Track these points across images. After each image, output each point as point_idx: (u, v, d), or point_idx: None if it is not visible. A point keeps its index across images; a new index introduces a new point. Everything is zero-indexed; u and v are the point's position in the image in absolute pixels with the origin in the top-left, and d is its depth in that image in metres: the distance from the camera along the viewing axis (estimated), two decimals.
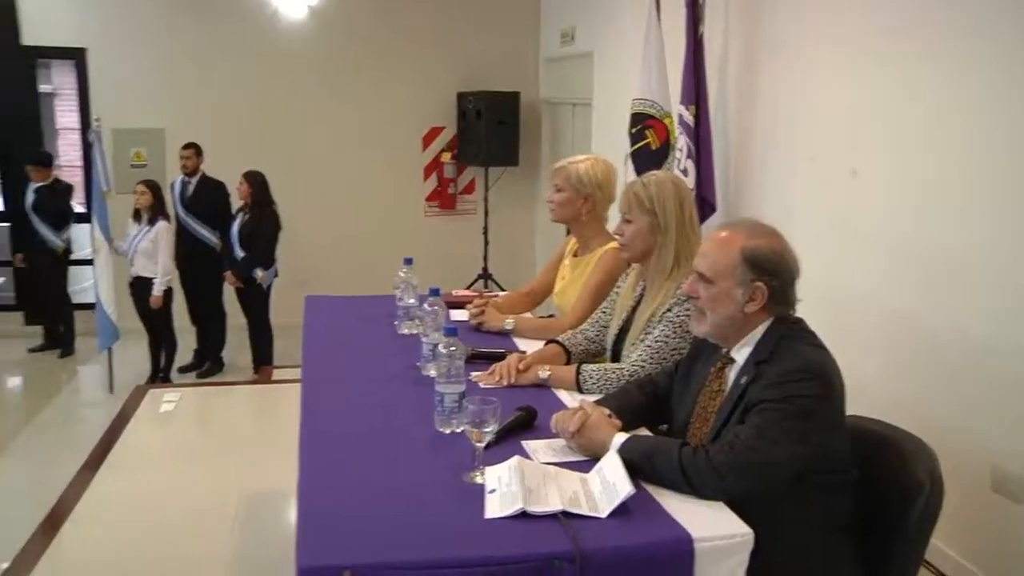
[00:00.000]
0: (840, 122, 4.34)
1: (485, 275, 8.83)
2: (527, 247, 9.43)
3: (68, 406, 7.23)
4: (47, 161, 8.02)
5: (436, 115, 9.13)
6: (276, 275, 7.36)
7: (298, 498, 2.29)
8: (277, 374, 7.19)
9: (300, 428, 2.85)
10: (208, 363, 7.67)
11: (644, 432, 2.52)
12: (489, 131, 8.52)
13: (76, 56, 8.61)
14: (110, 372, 7.25)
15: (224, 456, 5.48)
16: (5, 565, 4.15)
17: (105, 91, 8.56)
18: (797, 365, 2.21)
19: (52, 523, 4.54)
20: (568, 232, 3.95)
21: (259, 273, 7.16)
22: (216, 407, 6.58)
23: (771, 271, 2.30)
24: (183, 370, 7.59)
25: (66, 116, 10.86)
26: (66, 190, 8.13)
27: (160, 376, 7.32)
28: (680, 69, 5.15)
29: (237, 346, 7.72)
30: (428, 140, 9.20)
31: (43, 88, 9.53)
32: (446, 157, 9.20)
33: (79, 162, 9.12)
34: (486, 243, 8.95)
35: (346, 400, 2.93)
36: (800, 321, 2.38)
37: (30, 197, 7.95)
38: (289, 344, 7.57)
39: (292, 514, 4.64)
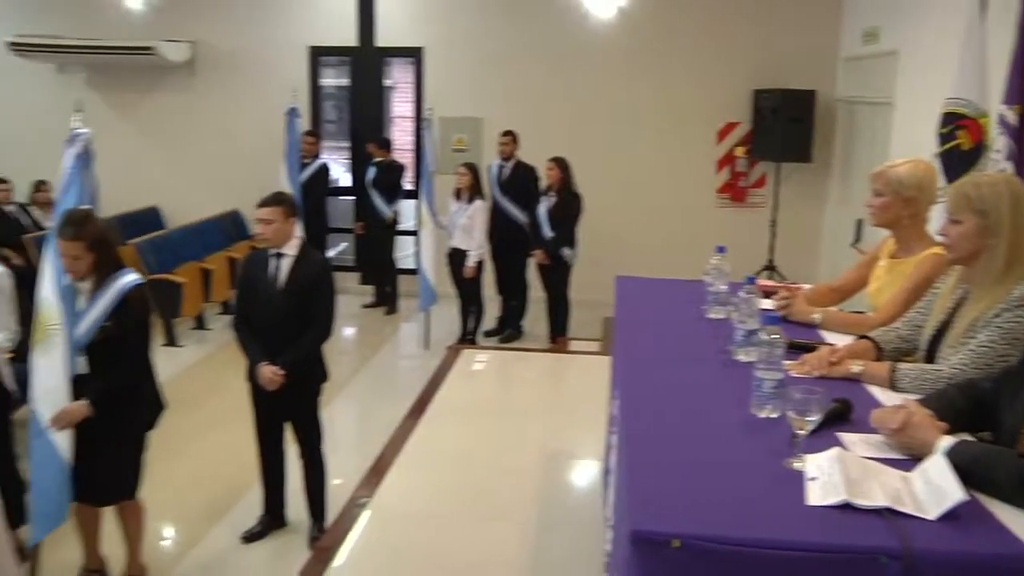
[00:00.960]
0: None
1: (770, 267, 8.52)
2: (813, 242, 8.99)
3: (391, 356, 7.77)
4: (387, 144, 8.65)
5: (732, 111, 8.90)
6: (577, 255, 7.48)
7: (625, 467, 2.30)
8: (573, 345, 7.32)
9: (618, 401, 2.86)
10: (509, 330, 7.95)
11: (967, 437, 2.31)
12: (783, 128, 8.19)
13: (415, 55, 9.20)
14: (427, 330, 7.70)
15: (526, 416, 5.67)
16: (338, 481, 4.52)
17: (436, 84, 9.08)
18: None
19: (383, 460, 4.90)
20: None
21: (566, 252, 7.31)
22: (518, 371, 6.81)
23: None
24: (487, 334, 7.91)
25: (400, 106, 11.59)
26: (399, 169, 8.71)
27: (468, 338, 7.67)
28: (1005, 67, 4.65)
29: (536, 317, 7.94)
30: (723, 134, 8.98)
31: (385, 83, 10.34)
32: (739, 151, 8.95)
33: (409, 146, 9.72)
34: (773, 236, 8.62)
35: (660, 378, 2.90)
36: None
37: (370, 173, 8.60)
38: (582, 318, 7.72)
39: (591, 477, 4.76)
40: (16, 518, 3.70)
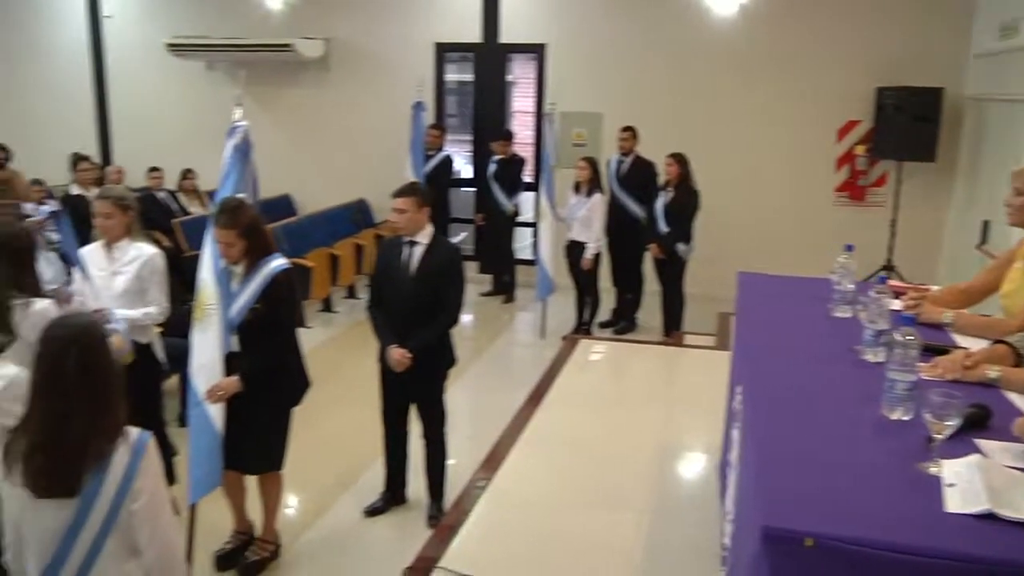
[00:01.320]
0: None
1: (888, 267, 8.19)
2: (934, 243, 8.59)
3: (507, 344, 7.82)
4: (509, 137, 8.69)
5: (853, 108, 8.57)
6: (693, 250, 7.37)
7: (754, 464, 2.25)
8: (687, 339, 7.22)
9: (742, 397, 2.81)
10: (624, 322, 7.89)
11: None
12: (907, 126, 7.83)
13: (537, 51, 9.22)
14: (543, 320, 7.72)
15: (641, 407, 5.62)
16: (452, 461, 4.57)
17: (557, 80, 9.07)
18: None
19: (502, 445, 4.94)
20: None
21: (681, 247, 7.21)
22: (634, 362, 6.75)
23: None
24: (602, 325, 7.88)
25: (520, 101, 11.63)
26: (520, 163, 8.74)
27: (583, 328, 7.66)
28: None
29: (650, 310, 7.85)
30: (843, 132, 8.66)
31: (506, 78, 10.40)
32: (859, 150, 8.62)
33: (529, 140, 9.75)
34: (892, 236, 8.28)
35: (786, 375, 2.82)
36: None
37: (491, 167, 8.67)
38: (696, 312, 7.60)
39: (706, 469, 4.69)
40: (167, 479, 3.89)
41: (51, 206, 4.64)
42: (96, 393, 2.25)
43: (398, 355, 4.14)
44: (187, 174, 9.33)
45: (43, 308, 3.25)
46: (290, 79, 9.98)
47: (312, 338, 7.36)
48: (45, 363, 2.24)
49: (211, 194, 9.76)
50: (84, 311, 3.31)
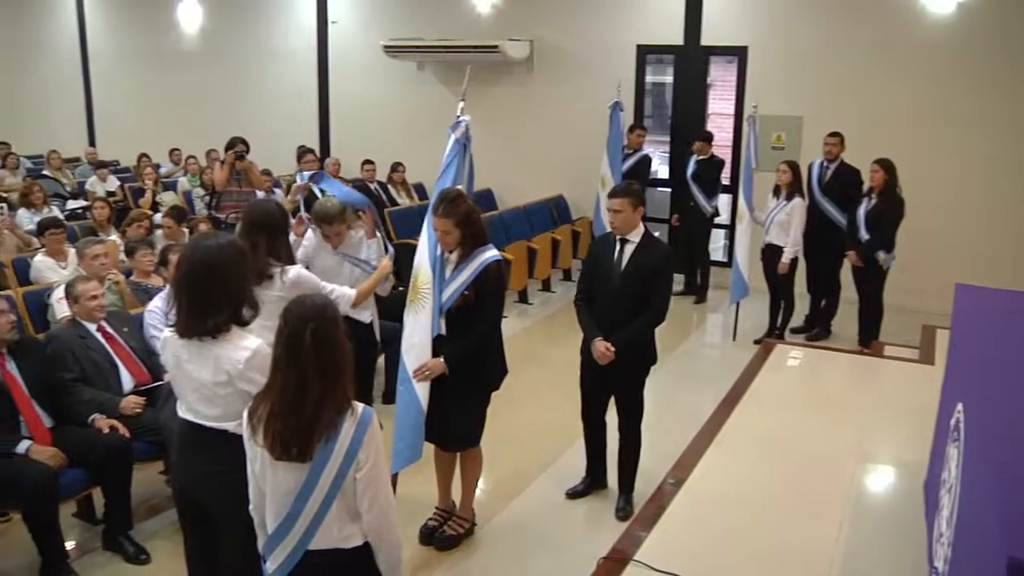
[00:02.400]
0: None
1: None
2: None
3: (697, 344, 7.64)
4: (710, 139, 8.47)
5: None
6: (894, 259, 6.91)
7: (992, 489, 2.05)
8: (887, 350, 6.77)
9: (963, 415, 2.58)
10: (817, 329, 7.51)
11: None
12: None
13: (738, 53, 8.93)
14: (735, 322, 7.48)
15: (839, 416, 5.34)
16: (643, 458, 4.49)
17: (757, 82, 8.76)
18: None
19: (696, 444, 4.83)
20: None
21: (881, 255, 6.77)
22: (831, 370, 6.42)
23: None
24: (795, 331, 7.53)
25: (716, 103, 11.32)
26: (719, 164, 8.50)
27: (776, 333, 7.35)
28: None
29: (844, 318, 7.43)
30: None
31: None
32: None
33: (726, 143, 9.46)
34: None
35: (1008, 392, 2.57)
36: None
37: (691, 168, 8.48)
38: (894, 323, 7.12)
39: (908, 485, 4.38)
40: None
41: (302, 178, 5.10)
42: (329, 368, 2.36)
43: (602, 347, 4.12)
44: (397, 167, 9.74)
45: (298, 272, 3.81)
46: (496, 79, 10.18)
47: (508, 327, 7.46)
48: (285, 338, 2.38)
49: (417, 187, 10.20)
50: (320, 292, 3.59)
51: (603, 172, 8.55)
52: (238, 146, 7.63)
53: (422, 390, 3.88)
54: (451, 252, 3.87)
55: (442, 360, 3.85)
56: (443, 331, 3.90)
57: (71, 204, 9.63)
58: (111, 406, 4.18)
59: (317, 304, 2.41)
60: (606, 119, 8.56)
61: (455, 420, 3.97)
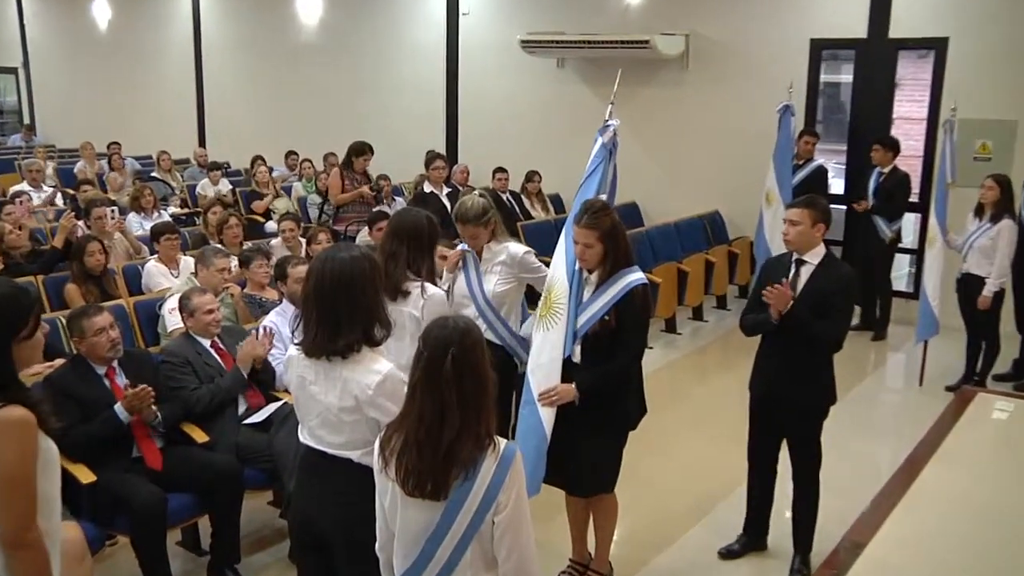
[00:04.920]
0: None
1: None
2: None
3: (875, 389, 7.38)
4: (895, 147, 8.19)
5: None
6: None
7: None
8: None
9: None
10: None
11: None
12: None
13: (936, 46, 8.60)
14: (922, 365, 7.18)
15: None
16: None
17: (958, 80, 8.40)
18: None
19: (881, 504, 4.63)
20: None
21: None
22: None
23: None
24: (999, 378, 7.14)
25: (903, 106, 10.94)
26: (903, 179, 8.22)
27: (974, 380, 7.00)
28: None
29: None
30: None
31: None
32: None
33: (914, 152, 9.13)
34: None
35: None
36: None
37: (872, 182, 8.23)
38: None
39: None
40: None
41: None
42: (469, 397, 2.42)
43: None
44: (532, 176, 9.86)
45: (437, 294, 3.83)
46: (644, 78, 10.14)
47: (651, 360, 7.43)
48: (424, 363, 2.46)
49: (553, 198, 10.30)
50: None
51: (768, 186, 8.41)
52: (366, 154, 7.93)
53: (547, 415, 3.90)
54: (591, 272, 3.90)
55: (573, 387, 3.87)
56: (576, 357, 3.92)
57: (171, 209, 10.03)
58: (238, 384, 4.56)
59: (460, 327, 2.47)
60: (772, 124, 8.43)
61: (585, 461, 3.97)
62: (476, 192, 4.65)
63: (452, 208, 7.95)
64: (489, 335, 4.51)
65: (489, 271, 4.51)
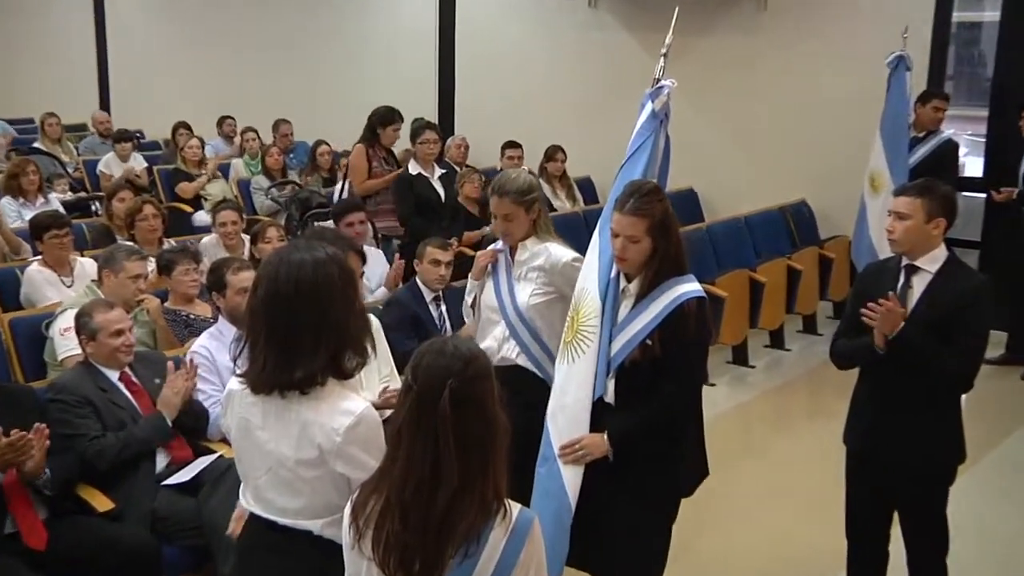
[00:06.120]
0: None
1: None
2: None
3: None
4: None
5: None
6: None
7: None
8: None
9: None
10: None
11: None
12: None
13: None
14: None
15: None
16: None
17: None
18: None
19: None
20: None
21: None
22: None
23: None
24: None
25: None
26: None
27: None
28: None
29: None
30: None
31: None
32: None
33: None
34: None
35: None
36: None
37: None
38: None
39: None
40: None
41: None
42: (472, 445, 2.43)
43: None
44: (554, 154, 9.82)
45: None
46: (706, 22, 10.16)
47: (715, 401, 7.44)
48: (412, 400, 2.46)
49: (582, 183, 10.30)
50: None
51: (873, 166, 8.38)
52: (395, 122, 8.11)
53: (571, 475, 3.90)
54: (629, 280, 3.89)
55: (604, 437, 3.87)
56: (609, 397, 3.93)
57: (59, 195, 9.80)
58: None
59: (461, 353, 2.48)
60: (880, 84, 8.42)
61: (620, 539, 3.94)
62: (525, 169, 4.63)
63: (446, 195, 8.07)
64: (521, 360, 4.55)
65: (523, 277, 4.56)
